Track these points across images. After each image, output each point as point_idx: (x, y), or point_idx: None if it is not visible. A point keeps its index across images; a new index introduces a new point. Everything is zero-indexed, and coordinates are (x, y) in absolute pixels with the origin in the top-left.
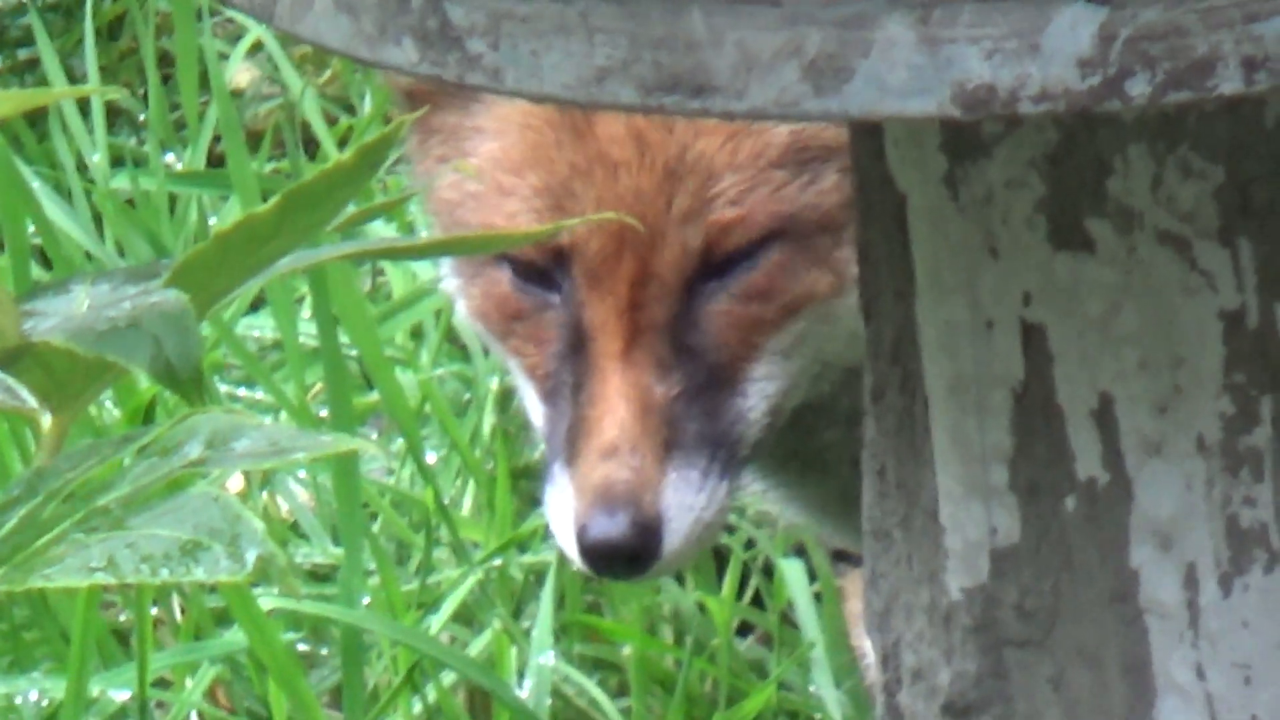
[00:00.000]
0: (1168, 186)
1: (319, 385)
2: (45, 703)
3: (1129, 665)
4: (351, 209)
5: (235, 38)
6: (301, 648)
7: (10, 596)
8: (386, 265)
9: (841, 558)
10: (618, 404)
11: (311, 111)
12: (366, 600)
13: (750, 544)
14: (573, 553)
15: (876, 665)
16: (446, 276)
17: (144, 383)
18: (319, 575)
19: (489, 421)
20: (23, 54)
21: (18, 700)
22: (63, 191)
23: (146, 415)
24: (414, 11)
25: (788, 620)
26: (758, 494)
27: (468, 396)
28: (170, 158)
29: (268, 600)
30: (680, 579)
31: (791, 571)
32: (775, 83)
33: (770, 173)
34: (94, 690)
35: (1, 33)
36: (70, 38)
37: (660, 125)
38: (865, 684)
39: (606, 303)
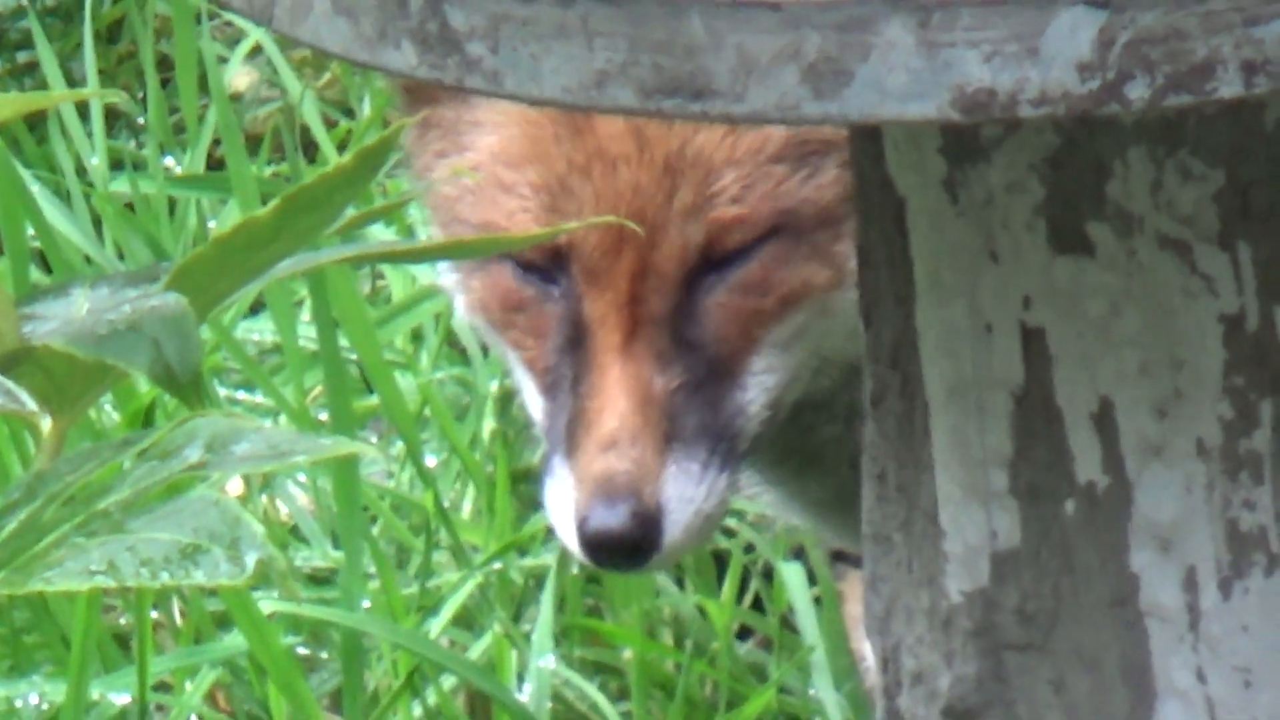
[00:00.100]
0: (1167, 190)
1: (318, 388)
2: (45, 706)
3: (1129, 669)
4: (351, 212)
5: (234, 41)
6: (301, 651)
7: (10, 600)
8: (386, 268)
9: (840, 558)
10: (617, 396)
11: (311, 115)
12: (366, 603)
13: (750, 548)
14: (573, 544)
15: (876, 668)
16: (445, 272)
17: (144, 386)
18: (319, 579)
19: (488, 425)
20: (22, 57)
21: (18, 704)
22: (62, 195)
23: (146, 419)
24: (413, 15)
25: (788, 624)
26: (756, 494)
27: (467, 400)
28: (169, 161)
29: (268, 603)
30: (680, 583)
31: (791, 575)
32: (775, 86)
33: (770, 167)
34: (94, 694)
35: (1, 36)
36: (69, 41)
37: (659, 120)
38: (865, 687)
39: (606, 297)
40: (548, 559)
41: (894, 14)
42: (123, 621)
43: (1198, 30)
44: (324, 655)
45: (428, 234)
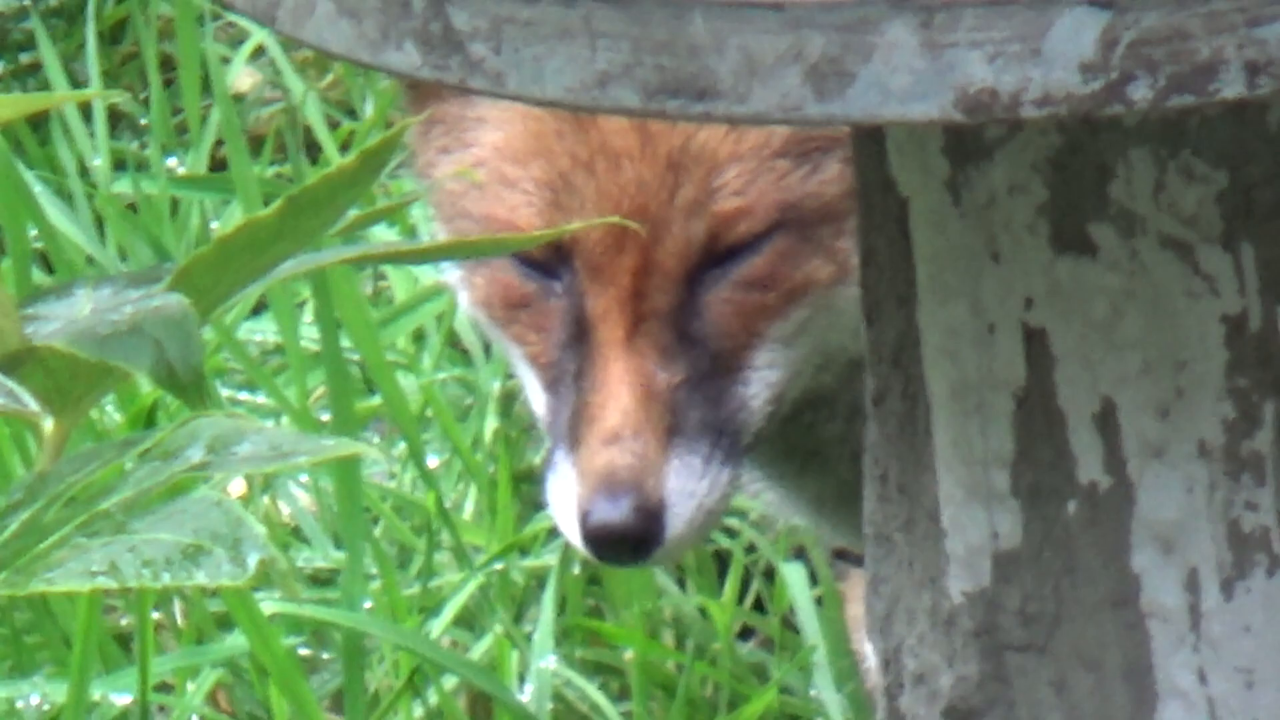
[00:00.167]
0: (1170, 191)
1: (321, 389)
2: (47, 707)
3: (1131, 669)
4: (353, 213)
5: (237, 42)
6: (303, 652)
7: (12, 600)
8: (388, 269)
9: (842, 556)
10: (620, 390)
11: (313, 115)
12: (368, 604)
13: (751, 548)
14: (575, 538)
15: (878, 669)
16: (448, 269)
17: (146, 387)
18: (320, 579)
19: (490, 425)
20: (25, 58)
21: (19, 704)
22: (65, 195)
23: (148, 419)
24: (416, 16)
25: (789, 624)
26: (758, 493)
27: (469, 400)
28: (172, 162)
29: (269, 604)
30: (681, 583)
31: (793, 575)
32: (777, 87)
33: (773, 162)
34: (95, 694)
35: (3, 37)
36: (72, 42)
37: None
38: (867, 687)
39: (609, 292)
40: (549, 559)
41: (897, 15)
42: (124, 622)
43: (1201, 31)
44: (325, 656)
45: (430, 234)
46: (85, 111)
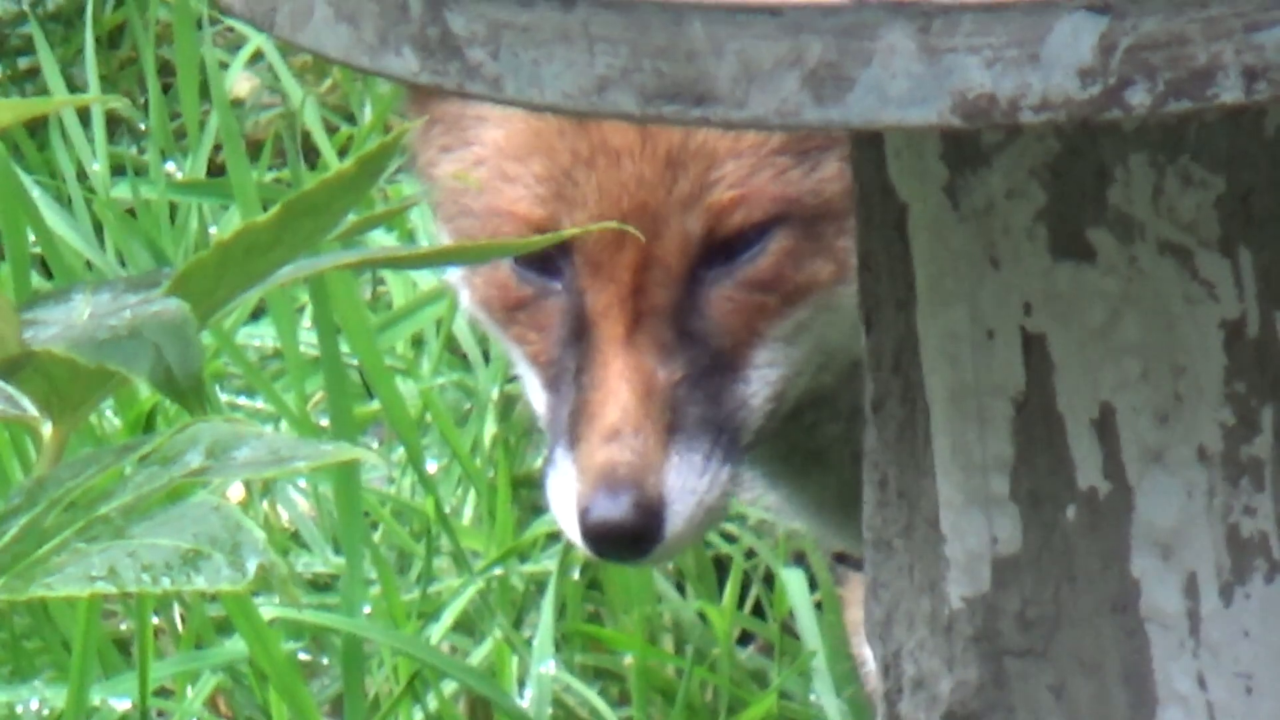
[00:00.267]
0: (1168, 196)
1: (319, 394)
2: (46, 711)
3: (1130, 674)
4: (352, 218)
5: (235, 47)
6: (302, 657)
7: (11, 605)
8: (387, 274)
9: (842, 560)
10: (620, 388)
11: (312, 120)
12: (367, 609)
13: (751, 553)
14: (575, 535)
15: (877, 674)
16: (449, 268)
17: (145, 392)
18: (320, 584)
19: (489, 430)
20: (23, 63)
21: (19, 709)
22: (63, 200)
23: (147, 424)
24: (414, 21)
25: (788, 629)
26: (758, 496)
27: (468, 405)
28: (171, 167)
29: (269, 609)
30: (681, 588)
31: (792, 580)
32: (776, 92)
33: (772, 158)
34: (95, 699)
35: (2, 41)
36: (70, 47)
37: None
38: (866, 691)
39: (608, 289)
40: (549, 564)
41: (895, 20)
42: (124, 627)
43: (1199, 36)
44: (325, 661)
45: (431, 234)
46: (84, 116)
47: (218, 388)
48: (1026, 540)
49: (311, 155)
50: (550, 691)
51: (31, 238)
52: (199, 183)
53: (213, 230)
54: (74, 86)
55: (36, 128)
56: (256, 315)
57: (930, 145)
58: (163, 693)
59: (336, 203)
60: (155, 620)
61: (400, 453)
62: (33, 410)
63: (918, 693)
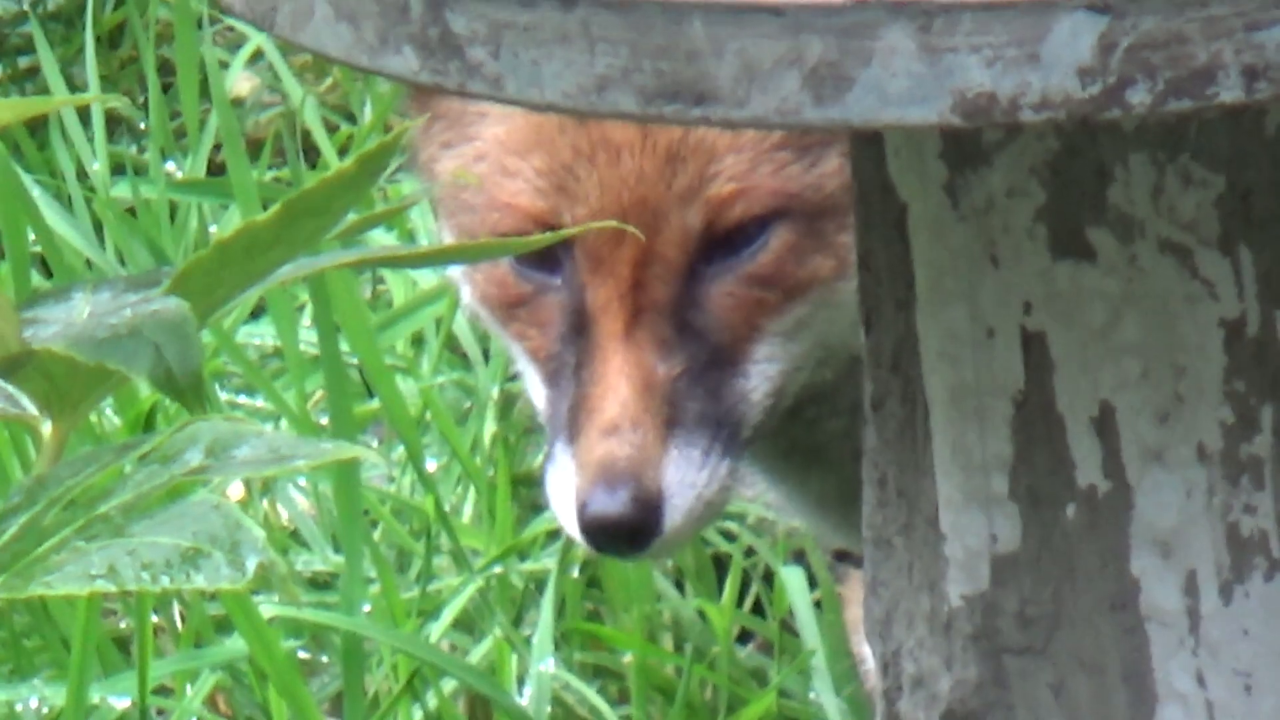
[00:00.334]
0: (1168, 195)
1: (319, 393)
2: (46, 710)
3: (1130, 673)
4: (352, 217)
5: (236, 46)
6: (302, 655)
7: (11, 604)
8: (387, 273)
9: (843, 558)
10: (619, 382)
11: (312, 120)
12: (367, 608)
13: (750, 551)
14: (573, 530)
15: (877, 672)
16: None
17: (144, 390)
18: (319, 583)
19: (489, 429)
20: (23, 62)
21: (18, 707)
22: (63, 199)
23: (147, 423)
24: (415, 20)
25: (788, 627)
26: (760, 494)
27: (468, 404)
28: (171, 166)
29: (268, 608)
30: (680, 586)
31: (792, 579)
32: (776, 91)
33: (773, 153)
34: (95, 697)
35: (2, 41)
36: (71, 46)
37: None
38: (866, 690)
39: (608, 284)
40: (548, 563)
41: (895, 19)
42: (123, 625)
43: (1199, 35)
44: (324, 659)
45: (429, 237)
46: (84, 116)
47: (217, 386)
48: (1026, 539)
49: (312, 154)
50: (550, 690)
51: (31, 237)
52: (199, 182)
53: (213, 229)
54: (74, 86)
55: (37, 127)
56: (256, 314)
57: (930, 144)
58: (162, 691)
59: (336, 202)
60: (155, 618)
61: (400, 451)
62: (32, 409)
63: (917, 691)
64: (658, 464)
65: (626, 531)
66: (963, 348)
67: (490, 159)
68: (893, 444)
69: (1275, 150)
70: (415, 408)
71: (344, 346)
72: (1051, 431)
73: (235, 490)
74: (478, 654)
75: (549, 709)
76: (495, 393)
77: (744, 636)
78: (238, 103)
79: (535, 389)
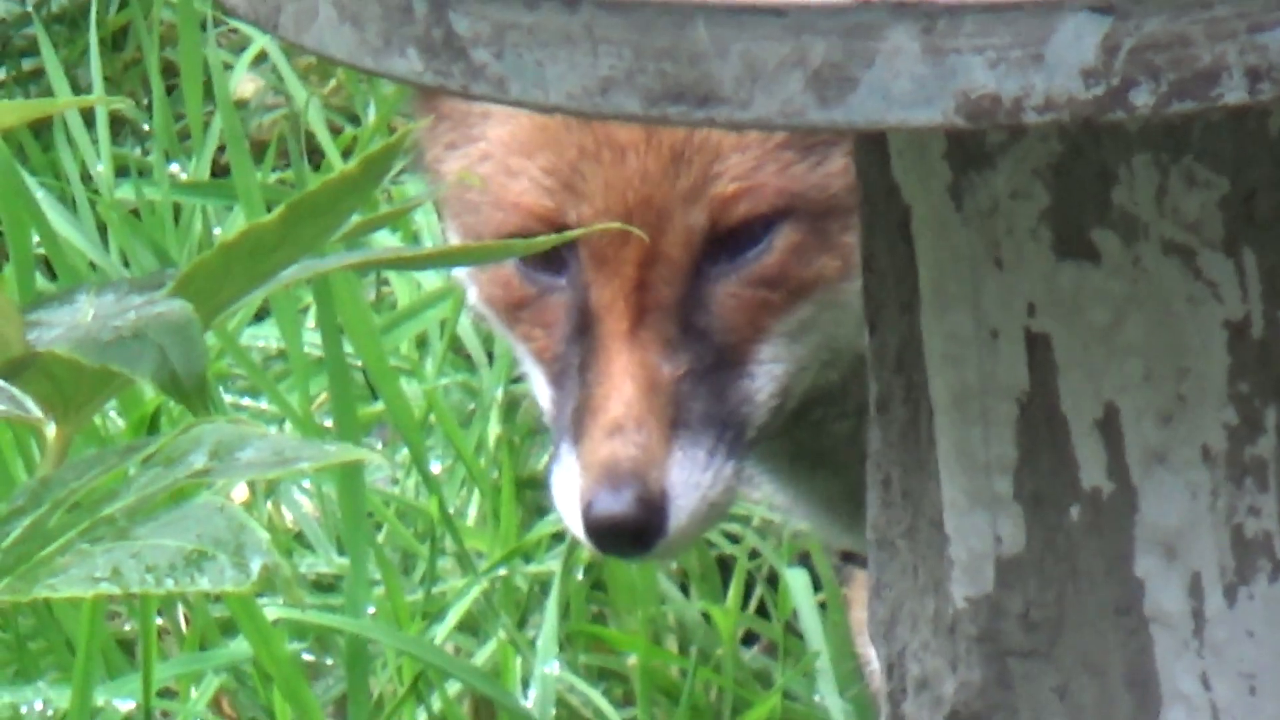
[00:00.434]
0: (1172, 196)
1: (324, 395)
2: (50, 712)
3: (1134, 675)
4: (356, 218)
5: (239, 48)
6: (306, 657)
7: (15, 606)
8: (391, 275)
9: (849, 559)
10: (624, 382)
11: (316, 121)
12: (371, 610)
13: (755, 554)
14: (578, 530)
15: (881, 674)
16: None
17: (149, 393)
18: (324, 585)
19: (494, 431)
20: (27, 64)
21: (23, 710)
22: (67, 201)
23: (151, 425)
24: (418, 22)
25: (792, 629)
26: (768, 495)
27: (472, 406)
28: (175, 168)
29: (273, 610)
30: (685, 588)
31: (796, 581)
32: (780, 93)
33: (777, 153)
34: (99, 700)
35: (6, 43)
36: (75, 48)
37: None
38: (870, 692)
39: (613, 284)
40: (552, 565)
41: (899, 20)
42: (127, 628)
43: (1202, 37)
44: (329, 661)
45: (433, 239)
46: (88, 118)
47: (222, 389)
48: (1030, 541)
49: (315, 156)
50: (554, 692)
51: (36, 239)
52: (203, 184)
53: (217, 231)
54: (78, 88)
55: (41, 129)
56: (260, 316)
57: (934, 146)
58: (166, 693)
59: (341, 204)
60: (159, 621)
61: (404, 453)
62: (37, 411)
63: (921, 693)
64: (662, 465)
65: (631, 532)
66: (967, 349)
67: (495, 159)
68: (897, 446)
69: (1279, 151)
70: (419, 410)
71: (348, 348)
72: (1055, 433)
73: (239, 492)
74: (482, 656)
75: (553, 711)
76: (499, 394)
77: (748, 638)
78: (241, 105)
79: (541, 390)
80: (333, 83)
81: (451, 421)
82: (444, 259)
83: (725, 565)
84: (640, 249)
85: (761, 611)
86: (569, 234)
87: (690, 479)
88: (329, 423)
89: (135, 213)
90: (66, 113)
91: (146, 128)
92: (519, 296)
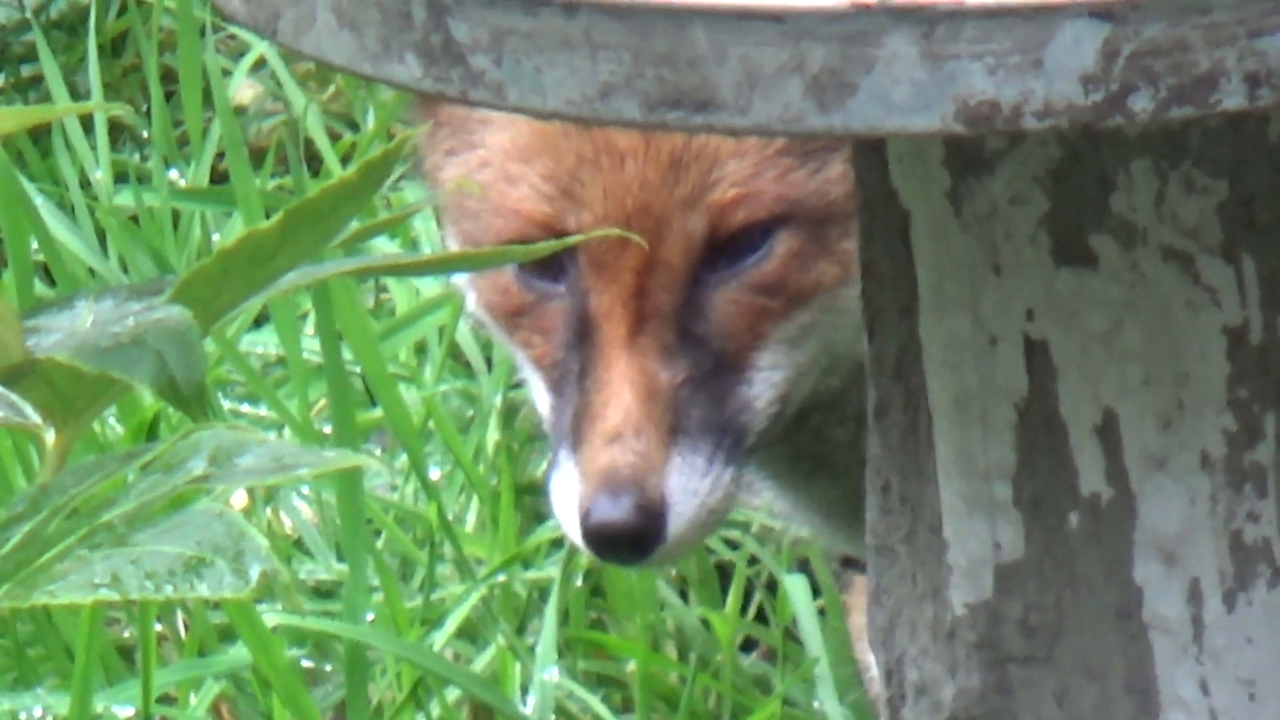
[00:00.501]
0: (1171, 202)
1: (322, 401)
2: (49, 719)
3: (1133, 681)
4: (355, 225)
5: (238, 54)
6: (305, 664)
7: (14, 612)
8: (389, 281)
9: (850, 565)
10: (622, 389)
11: (315, 128)
12: (370, 616)
13: (754, 560)
14: (577, 537)
15: (880, 680)
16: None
17: (148, 399)
18: (323, 591)
19: (492, 437)
20: (26, 70)
21: (22, 716)
22: (66, 208)
23: (150, 431)
24: (417, 28)
25: (791, 635)
26: (768, 502)
27: (471, 412)
28: (174, 174)
29: (272, 616)
30: (684, 595)
31: (795, 587)
32: (778, 99)
33: (776, 159)
34: (98, 706)
35: (5, 49)
36: (73, 54)
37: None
38: (870, 697)
39: (612, 290)
40: (551, 571)
41: (897, 26)
42: (127, 634)
43: (1201, 42)
44: (328, 668)
45: (432, 246)
46: (87, 124)
47: (220, 395)
48: (1029, 546)
49: (314, 163)
50: (553, 698)
51: (34, 245)
52: (202, 190)
53: (215, 238)
54: (77, 94)
55: (39, 135)
56: (259, 322)
57: (933, 152)
58: (165, 700)
59: (339, 210)
60: (158, 627)
61: (403, 460)
62: (36, 418)
63: (920, 699)
64: (661, 471)
65: (629, 539)
66: (965, 355)
67: (494, 166)
68: (896, 451)
69: (1277, 157)
70: (418, 416)
71: (347, 355)
72: (1054, 439)
73: (238, 499)
74: (481, 662)
75: (552, 717)
76: (498, 401)
77: (747, 645)
78: (240, 111)
79: (540, 396)
80: (331, 89)
81: (450, 428)
82: (443, 265)
83: (724, 571)
84: (639, 255)
85: (761, 617)
86: (568, 240)
87: (689, 486)
88: (328, 429)
89: (134, 219)
90: (65, 119)
91: (145, 134)
92: (518, 303)
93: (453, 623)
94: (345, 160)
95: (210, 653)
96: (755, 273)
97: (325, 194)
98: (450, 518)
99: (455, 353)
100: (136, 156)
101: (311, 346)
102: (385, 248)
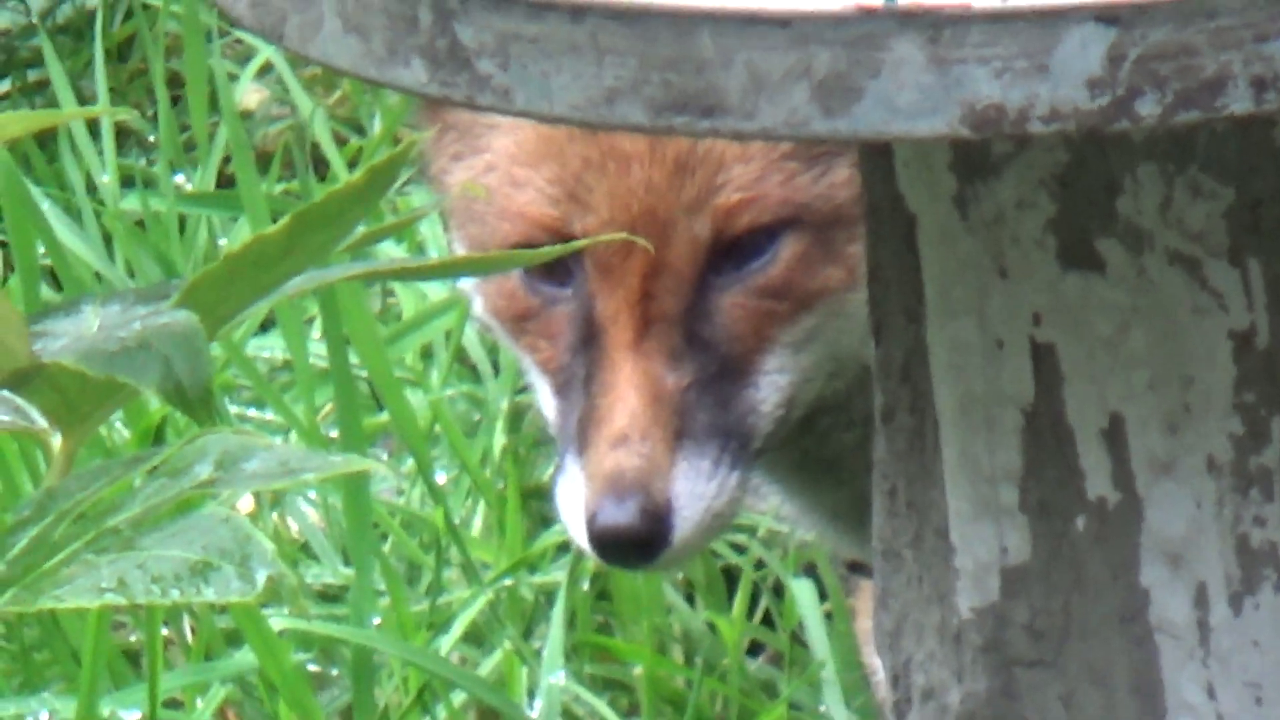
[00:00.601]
0: (1178, 206)
1: (329, 406)
2: None
3: (1140, 685)
4: (361, 229)
5: (245, 59)
6: (312, 668)
7: (21, 617)
8: (396, 285)
9: (856, 569)
10: (628, 393)
11: (321, 132)
12: (377, 620)
13: (760, 564)
14: (583, 541)
15: (887, 685)
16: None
17: (154, 403)
18: (329, 595)
19: (499, 442)
20: (32, 75)
21: None
22: (72, 212)
23: (156, 436)
24: (423, 32)
25: (798, 640)
26: (774, 506)
27: (478, 417)
28: (180, 179)
29: (278, 620)
30: (690, 599)
31: (802, 591)
32: (785, 103)
33: (782, 163)
34: (105, 710)
35: (11, 54)
36: (80, 59)
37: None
38: (877, 701)
39: (618, 294)
40: (558, 575)
41: (904, 31)
42: (133, 638)
43: (1207, 46)
44: (334, 672)
45: (439, 250)
46: (93, 128)
47: (227, 399)
48: (1036, 551)
49: (321, 167)
50: (560, 702)
51: (41, 249)
52: (208, 194)
53: (222, 242)
54: (83, 98)
55: (46, 140)
56: (266, 327)
57: (939, 156)
58: (172, 704)
59: (346, 214)
60: (165, 631)
61: (410, 464)
62: (42, 422)
63: (927, 703)
64: (666, 475)
65: (635, 543)
66: (972, 359)
67: (500, 170)
68: (902, 455)
69: None
70: (425, 420)
71: (353, 359)
72: (1061, 443)
73: (245, 503)
74: (488, 667)
75: None
76: (505, 405)
77: (754, 649)
78: (247, 115)
79: (546, 401)
80: (338, 93)
81: (457, 432)
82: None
83: (731, 575)
84: (645, 259)
85: (767, 622)
86: (574, 244)
87: (695, 489)
88: (334, 433)
89: (140, 223)
90: (72, 123)
91: (151, 138)
92: (524, 307)
93: (459, 627)
94: (352, 165)
95: (217, 657)
96: (761, 277)
97: (332, 198)
98: (457, 522)
99: (462, 357)
100: (143, 161)
101: (318, 351)
102: (392, 252)
